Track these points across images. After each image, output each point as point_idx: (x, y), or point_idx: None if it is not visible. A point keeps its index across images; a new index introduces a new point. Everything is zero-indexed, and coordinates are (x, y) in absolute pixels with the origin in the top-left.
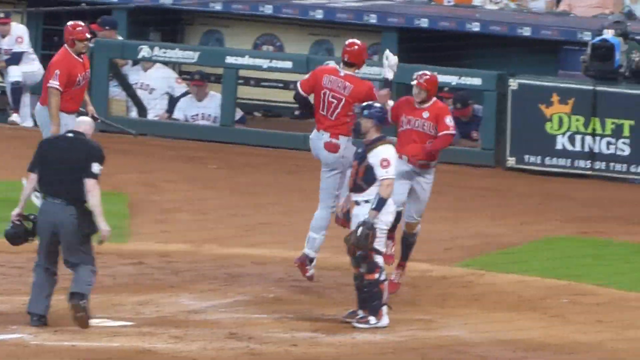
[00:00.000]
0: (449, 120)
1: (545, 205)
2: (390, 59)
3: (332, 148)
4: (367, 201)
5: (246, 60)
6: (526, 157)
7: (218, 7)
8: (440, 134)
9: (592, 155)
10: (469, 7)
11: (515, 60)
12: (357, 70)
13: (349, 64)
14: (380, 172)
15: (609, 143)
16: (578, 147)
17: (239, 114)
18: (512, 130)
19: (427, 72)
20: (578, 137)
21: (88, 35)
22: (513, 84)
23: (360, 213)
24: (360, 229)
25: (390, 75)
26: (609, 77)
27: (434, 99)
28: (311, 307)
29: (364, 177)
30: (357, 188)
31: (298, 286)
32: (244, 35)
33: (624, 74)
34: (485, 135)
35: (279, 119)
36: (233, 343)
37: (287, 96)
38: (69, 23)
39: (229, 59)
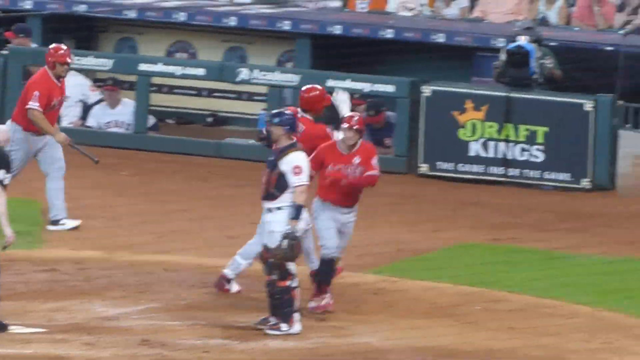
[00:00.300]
0: (375, 162)
1: (458, 211)
2: (340, 95)
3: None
4: (279, 208)
5: (159, 68)
6: (439, 163)
7: (132, 14)
8: (368, 173)
9: (505, 162)
10: (382, 14)
11: (429, 66)
12: (314, 116)
13: (303, 110)
14: (293, 179)
15: (522, 149)
16: (491, 154)
17: (151, 121)
18: (425, 137)
19: (353, 114)
20: (491, 144)
21: (69, 60)
22: (426, 90)
23: (272, 220)
24: (285, 241)
25: (345, 110)
26: (522, 83)
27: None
28: (223, 314)
29: (276, 185)
30: (269, 196)
31: (210, 293)
32: (158, 43)
33: (537, 80)
34: (398, 142)
35: (191, 126)
36: (146, 350)
37: (200, 103)
38: (52, 45)
39: (142, 66)
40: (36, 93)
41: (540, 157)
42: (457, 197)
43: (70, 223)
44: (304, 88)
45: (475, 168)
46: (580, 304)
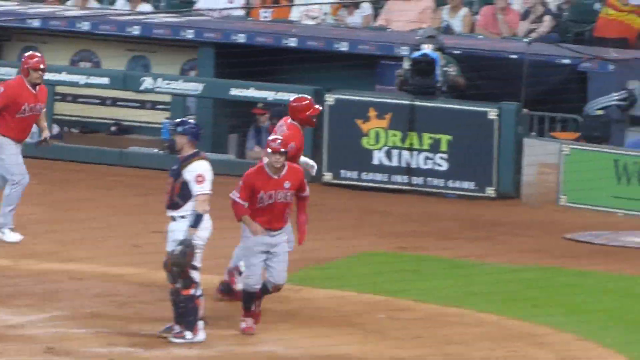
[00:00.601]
0: (305, 180)
1: (362, 220)
2: (309, 166)
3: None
4: (182, 217)
5: (63, 77)
6: (343, 172)
7: (36, 23)
8: (304, 194)
9: (409, 170)
10: (286, 23)
11: (332, 75)
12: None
13: (292, 118)
14: (196, 188)
15: (426, 158)
16: (395, 162)
17: (55, 129)
18: (328, 145)
19: (276, 137)
20: (395, 152)
21: (42, 66)
22: (329, 99)
23: (176, 229)
24: (180, 247)
25: (313, 171)
26: (426, 92)
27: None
28: (128, 322)
29: (180, 194)
30: (173, 205)
31: (115, 301)
32: (62, 52)
33: (441, 88)
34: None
35: (95, 135)
36: (51, 358)
37: (103, 112)
38: (27, 53)
39: (46, 75)
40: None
41: (444, 165)
42: (361, 205)
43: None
44: (293, 97)
45: (379, 176)
46: (486, 312)
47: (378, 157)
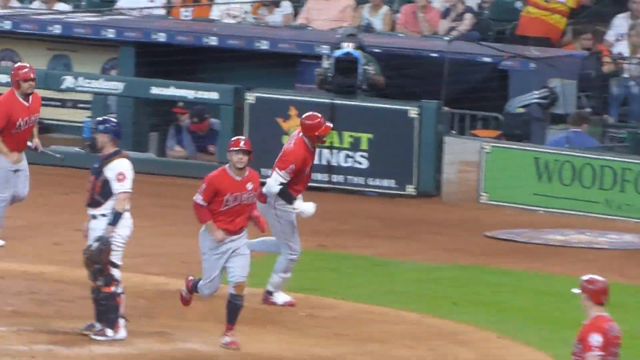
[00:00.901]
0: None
1: None
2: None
3: (262, 198)
4: (103, 215)
5: None
6: (263, 170)
7: None
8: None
9: (329, 168)
10: (206, 21)
11: (253, 74)
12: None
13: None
14: (116, 186)
15: (347, 156)
16: (316, 160)
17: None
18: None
19: (240, 137)
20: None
21: (32, 75)
22: (250, 97)
23: (97, 227)
24: (96, 244)
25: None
26: (346, 90)
27: None
28: (49, 319)
29: (101, 192)
30: (94, 202)
31: (36, 299)
32: None
33: (361, 87)
34: (222, 149)
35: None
36: None
37: None
38: (15, 65)
39: None
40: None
41: (364, 163)
42: None
43: None
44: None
45: None
46: (407, 310)
47: None
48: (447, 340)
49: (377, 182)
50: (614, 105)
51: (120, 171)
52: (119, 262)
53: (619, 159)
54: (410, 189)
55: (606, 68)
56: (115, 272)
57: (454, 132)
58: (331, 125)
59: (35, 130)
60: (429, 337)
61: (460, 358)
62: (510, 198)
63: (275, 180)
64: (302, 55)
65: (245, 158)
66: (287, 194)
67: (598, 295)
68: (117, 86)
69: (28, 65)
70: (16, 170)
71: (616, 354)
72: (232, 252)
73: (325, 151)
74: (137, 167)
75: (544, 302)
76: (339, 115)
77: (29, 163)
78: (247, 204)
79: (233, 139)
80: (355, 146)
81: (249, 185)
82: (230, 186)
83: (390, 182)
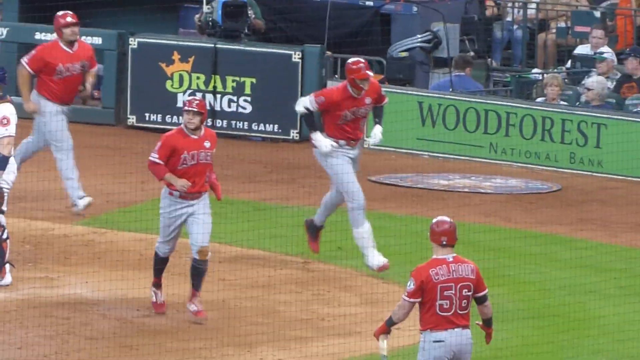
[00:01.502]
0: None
1: None
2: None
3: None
4: None
5: None
6: (147, 115)
7: None
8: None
9: (213, 114)
10: None
11: (136, 19)
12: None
13: None
14: (0, 131)
15: (230, 101)
16: None
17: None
18: (132, 88)
19: (194, 97)
20: (199, 95)
21: (70, 19)
22: (133, 42)
23: None
24: None
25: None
26: (230, 35)
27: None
28: None
29: None
30: None
31: None
32: None
33: (244, 31)
34: (106, 94)
35: None
36: None
37: None
38: (59, 13)
39: None
40: (33, 51)
41: (248, 108)
42: None
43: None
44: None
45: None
46: (291, 255)
47: (182, 99)
48: (331, 285)
49: (261, 127)
50: (498, 49)
51: (4, 115)
52: (4, 208)
53: (503, 103)
54: (294, 134)
55: (489, 12)
56: (1, 218)
57: (337, 76)
58: (369, 73)
59: (89, 79)
60: (314, 282)
61: (345, 302)
62: (394, 142)
63: (302, 101)
64: (185, 0)
65: (196, 119)
66: (308, 118)
67: (436, 236)
68: (1, 31)
69: (70, 12)
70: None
71: (449, 297)
72: (190, 217)
73: (209, 96)
74: (21, 113)
75: (428, 247)
76: (222, 60)
77: None
78: (205, 164)
79: (187, 98)
80: (238, 91)
81: (207, 144)
82: (187, 144)
83: (274, 127)
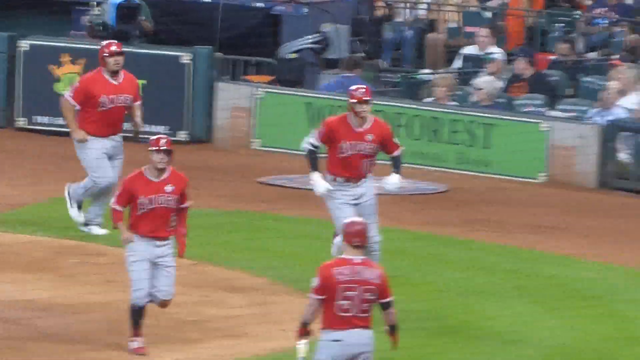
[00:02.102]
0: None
1: (55, 165)
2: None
3: None
4: None
5: None
6: (36, 117)
7: None
8: (183, 205)
9: None
10: None
11: (26, 21)
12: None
13: None
14: None
15: None
16: None
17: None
18: (22, 90)
19: (161, 136)
20: None
21: (114, 48)
22: (24, 44)
23: None
24: None
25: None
26: (122, 37)
27: None
28: None
29: None
30: None
31: None
32: None
33: (136, 34)
34: None
35: None
36: None
37: None
38: (103, 41)
39: None
40: (76, 84)
41: None
42: (55, 151)
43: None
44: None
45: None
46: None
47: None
48: (219, 286)
49: (150, 128)
50: (387, 50)
51: None
52: None
53: (393, 104)
54: (182, 135)
55: (380, 12)
56: None
57: (226, 77)
58: (365, 98)
59: (137, 114)
60: (203, 283)
61: (233, 305)
62: (283, 144)
63: (307, 138)
64: (75, 3)
65: (165, 159)
66: (311, 158)
67: (349, 237)
68: None
69: (116, 42)
70: (110, 156)
71: (350, 297)
72: (158, 263)
73: None
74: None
75: (317, 248)
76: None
77: None
78: (165, 208)
79: (153, 137)
80: None
81: (168, 187)
82: (145, 188)
83: (163, 128)
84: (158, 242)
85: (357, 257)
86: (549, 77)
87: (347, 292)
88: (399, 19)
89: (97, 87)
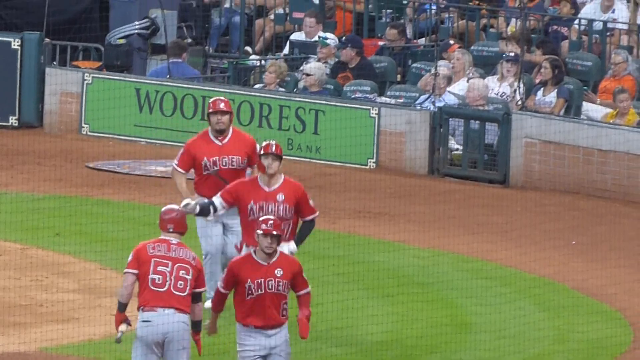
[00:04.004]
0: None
1: None
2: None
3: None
4: None
5: None
6: None
7: None
8: (302, 292)
9: None
10: None
11: None
12: None
13: None
14: None
15: None
16: None
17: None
18: None
19: (270, 217)
20: None
21: (222, 106)
22: None
23: None
24: None
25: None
26: None
27: None
28: None
29: None
30: None
31: None
32: None
33: None
34: None
35: None
36: None
37: None
38: (212, 98)
39: None
40: (182, 150)
41: None
42: None
43: None
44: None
45: None
46: (9, 241)
47: None
48: (50, 271)
49: None
50: (215, 36)
51: None
52: None
53: (221, 90)
54: (12, 120)
55: None
56: None
57: (55, 63)
58: (262, 152)
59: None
60: (32, 268)
61: (62, 289)
62: (112, 129)
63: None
64: None
65: (274, 244)
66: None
67: (163, 223)
68: None
69: (224, 99)
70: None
71: (162, 272)
72: (272, 353)
73: None
74: None
75: (145, 233)
76: None
77: None
78: (275, 294)
79: (263, 218)
80: None
81: (278, 272)
82: (253, 272)
83: None
84: (269, 332)
85: (174, 239)
86: (376, 63)
87: (160, 267)
88: (226, 5)
89: (202, 150)
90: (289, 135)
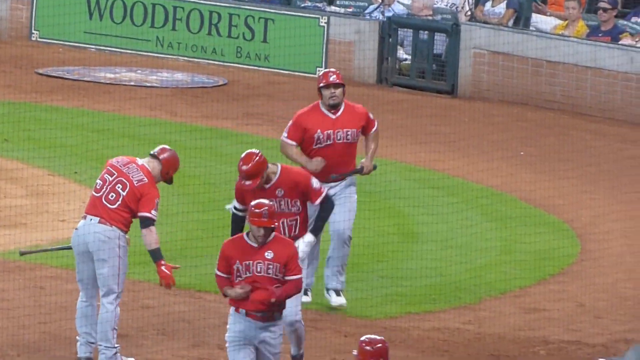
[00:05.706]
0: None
1: None
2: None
3: None
4: None
5: None
6: None
7: None
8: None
9: None
10: None
11: None
12: None
13: None
14: None
15: None
16: None
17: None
18: None
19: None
20: None
21: (333, 78)
22: None
23: None
24: None
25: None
26: None
27: None
28: None
29: None
30: None
31: None
32: None
33: None
34: None
35: None
36: None
37: None
38: (323, 70)
39: None
40: (290, 122)
41: None
42: None
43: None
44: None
45: None
46: None
47: None
48: None
49: None
50: None
51: None
52: None
53: None
54: None
55: None
56: None
57: None
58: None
59: (368, 156)
60: None
61: (11, 194)
62: (62, 36)
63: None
64: None
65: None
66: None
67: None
68: None
69: (334, 70)
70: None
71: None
72: (259, 346)
73: None
74: None
75: (94, 139)
76: None
77: None
78: (266, 277)
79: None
80: None
81: (268, 254)
82: (243, 254)
83: None
84: (261, 323)
85: (142, 160)
86: None
87: (106, 175)
88: None
89: (315, 123)
90: (237, 43)
